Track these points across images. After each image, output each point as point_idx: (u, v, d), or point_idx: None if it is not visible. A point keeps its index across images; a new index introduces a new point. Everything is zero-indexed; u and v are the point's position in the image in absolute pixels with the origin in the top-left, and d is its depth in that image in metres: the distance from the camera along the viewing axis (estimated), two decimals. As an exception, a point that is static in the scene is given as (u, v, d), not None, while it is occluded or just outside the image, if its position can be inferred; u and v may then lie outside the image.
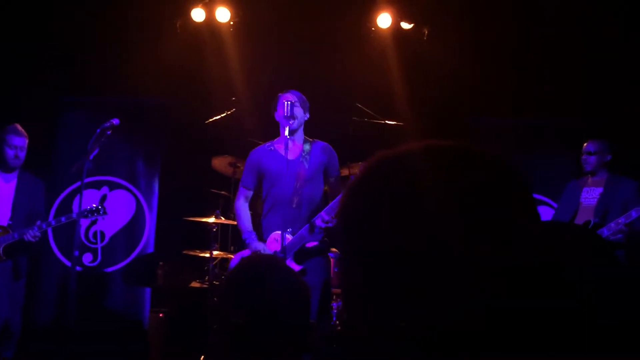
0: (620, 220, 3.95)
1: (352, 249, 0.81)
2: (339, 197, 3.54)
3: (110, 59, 5.44)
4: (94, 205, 4.26)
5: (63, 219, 4.26)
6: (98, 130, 3.64)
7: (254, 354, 1.69)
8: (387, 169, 0.80)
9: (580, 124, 5.34)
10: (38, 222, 4.20)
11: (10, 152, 4.34)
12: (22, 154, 4.39)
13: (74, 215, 4.21)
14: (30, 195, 4.40)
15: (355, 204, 0.81)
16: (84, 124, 4.98)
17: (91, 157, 3.59)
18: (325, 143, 3.96)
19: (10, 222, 4.27)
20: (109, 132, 3.68)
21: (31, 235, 4.16)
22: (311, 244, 3.74)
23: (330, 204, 3.68)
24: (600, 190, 4.25)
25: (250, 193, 3.99)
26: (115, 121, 3.71)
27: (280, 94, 3.93)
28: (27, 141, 4.41)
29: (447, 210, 0.73)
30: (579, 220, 4.16)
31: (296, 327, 1.73)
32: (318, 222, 3.64)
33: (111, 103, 5.32)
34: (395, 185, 0.77)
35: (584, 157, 4.32)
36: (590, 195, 4.27)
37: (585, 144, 4.36)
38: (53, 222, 4.31)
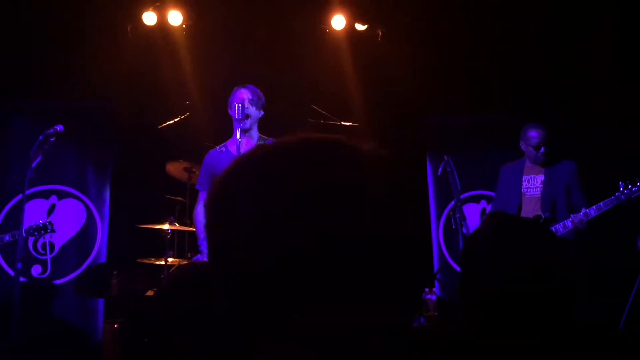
0: (579, 218, 3.93)
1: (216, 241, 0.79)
2: None
3: (61, 62, 5.28)
4: (41, 222, 4.11)
5: (7, 237, 4.06)
6: (41, 137, 3.52)
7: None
8: (260, 158, 0.78)
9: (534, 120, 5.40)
10: None
11: None
12: None
13: (21, 233, 4.01)
14: None
15: (214, 201, 0.79)
16: (32, 129, 4.79)
17: (33, 165, 3.47)
18: None
19: None
20: (53, 139, 3.56)
21: None
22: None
23: None
24: (541, 177, 4.17)
25: None
26: (59, 127, 3.59)
27: (235, 88, 3.89)
28: None
29: (299, 209, 0.71)
30: (526, 213, 4.13)
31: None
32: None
33: (60, 107, 5.15)
34: (262, 176, 0.75)
35: (535, 147, 4.14)
36: (532, 184, 4.19)
37: (534, 132, 4.17)
38: (7, 238, 4.11)
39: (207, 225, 0.78)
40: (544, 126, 4.23)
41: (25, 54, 5.27)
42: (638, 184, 3.85)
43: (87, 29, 5.37)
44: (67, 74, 5.25)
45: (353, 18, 5.56)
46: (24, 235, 3.98)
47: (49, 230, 4.09)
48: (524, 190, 4.20)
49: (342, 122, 5.21)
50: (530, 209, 4.13)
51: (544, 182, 4.15)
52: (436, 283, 5.00)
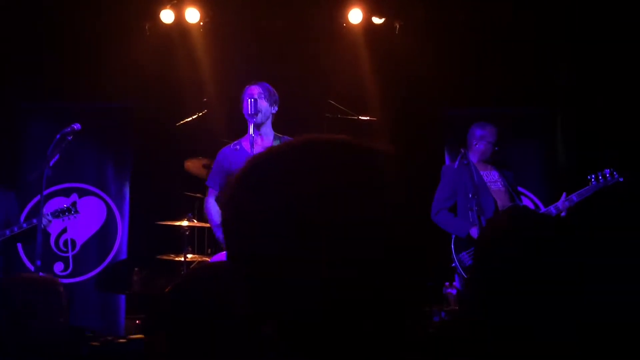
0: (561, 205, 4.00)
1: (233, 240, 0.80)
2: None
3: (79, 63, 5.35)
4: (65, 206, 4.12)
5: (7, 232, 3.99)
6: (58, 136, 3.55)
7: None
8: (260, 171, 0.80)
9: (553, 113, 5.32)
10: (9, 230, 3.98)
11: None
12: None
13: (48, 217, 4.03)
14: (1, 210, 4.12)
15: (228, 203, 0.81)
16: (51, 131, 4.85)
17: (51, 163, 3.50)
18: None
19: None
20: (70, 138, 3.59)
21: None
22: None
23: None
24: (495, 173, 4.21)
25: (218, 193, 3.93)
26: (77, 126, 3.62)
27: (246, 87, 3.87)
28: None
29: (313, 213, 0.72)
30: (502, 205, 4.10)
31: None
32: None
33: (79, 108, 5.21)
34: (271, 178, 0.77)
35: (493, 145, 4.17)
36: (491, 179, 4.18)
37: (490, 132, 4.19)
38: (24, 225, 4.04)
39: (223, 224, 0.81)
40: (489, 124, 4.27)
41: (43, 55, 5.35)
42: (607, 173, 4.03)
43: (105, 27, 5.43)
44: (85, 74, 5.31)
45: (370, 12, 5.52)
46: (50, 218, 4.00)
47: (72, 212, 4.07)
48: (488, 184, 4.15)
49: (360, 117, 5.18)
50: (501, 201, 4.10)
51: (500, 177, 4.20)
52: (456, 277, 4.95)
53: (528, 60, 5.40)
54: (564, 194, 4.05)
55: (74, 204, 5.00)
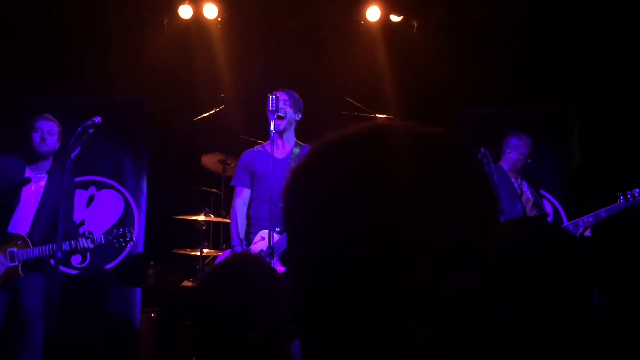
0: (589, 219, 4.01)
1: (293, 236, 0.76)
2: None
3: (97, 58, 5.38)
4: (122, 230, 4.15)
5: (89, 243, 4.02)
6: (79, 129, 3.57)
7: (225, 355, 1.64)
8: (332, 152, 0.73)
9: (568, 114, 5.29)
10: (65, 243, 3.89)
11: (35, 136, 4.01)
12: (51, 140, 4.03)
13: (102, 240, 4.10)
14: (57, 197, 3.85)
15: (296, 189, 0.75)
16: (68, 125, 4.88)
17: (72, 156, 3.52)
18: None
19: (30, 233, 3.97)
20: (91, 131, 3.61)
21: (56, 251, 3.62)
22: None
23: None
24: (525, 184, 4.29)
25: (247, 191, 3.96)
26: (97, 119, 3.64)
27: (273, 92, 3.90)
28: (58, 129, 4.10)
29: (396, 195, 0.67)
30: (529, 213, 4.16)
31: (267, 329, 1.67)
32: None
33: (97, 102, 5.25)
34: (338, 171, 0.71)
35: (526, 157, 4.29)
36: (522, 188, 4.28)
37: (525, 144, 4.31)
38: (82, 243, 4.02)
39: (284, 215, 0.75)
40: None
41: (61, 50, 5.37)
42: (637, 192, 4.01)
43: (124, 22, 5.46)
44: (103, 68, 5.33)
45: (388, 9, 5.51)
46: (102, 241, 4.08)
47: (127, 239, 4.12)
48: (518, 191, 4.23)
49: (377, 115, 5.17)
50: (529, 209, 4.18)
51: (530, 188, 4.28)
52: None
53: (544, 60, 5.37)
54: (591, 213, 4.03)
55: (90, 201, 5.06)
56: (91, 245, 4.00)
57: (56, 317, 3.50)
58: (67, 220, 4.06)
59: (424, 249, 0.66)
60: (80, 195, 5.16)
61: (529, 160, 4.28)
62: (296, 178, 0.76)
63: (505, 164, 4.29)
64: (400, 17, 5.54)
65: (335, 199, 0.69)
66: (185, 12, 5.49)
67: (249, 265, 1.79)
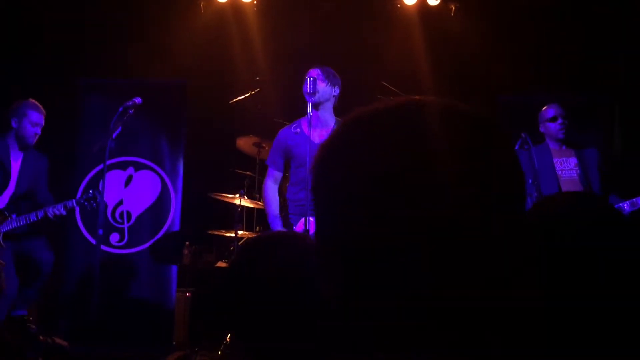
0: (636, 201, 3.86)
1: (324, 212, 0.74)
2: None
3: (135, 41, 5.44)
4: (91, 192, 4.22)
5: (60, 207, 4.14)
6: (120, 109, 3.63)
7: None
8: (363, 124, 0.72)
9: (610, 100, 5.17)
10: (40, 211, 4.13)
11: (30, 130, 4.24)
12: (39, 132, 4.30)
13: (73, 204, 4.19)
14: (33, 174, 4.30)
15: (326, 162, 0.74)
16: (108, 106, 4.97)
17: (114, 135, 3.58)
18: None
19: (7, 206, 4.21)
20: (132, 111, 3.67)
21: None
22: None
23: None
24: (573, 160, 4.13)
25: (278, 174, 3.97)
26: (138, 100, 3.70)
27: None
28: (44, 119, 4.34)
29: (427, 169, 0.65)
30: None
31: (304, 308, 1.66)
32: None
33: (135, 84, 5.31)
34: (368, 142, 0.70)
35: (561, 122, 4.14)
36: (566, 166, 4.11)
37: (553, 109, 4.18)
38: (50, 211, 4.14)
39: (314, 189, 0.75)
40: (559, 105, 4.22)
41: (102, 33, 5.46)
42: None
43: (161, 5, 5.51)
44: (141, 50, 5.39)
45: (425, -7, 5.44)
46: (74, 204, 4.18)
47: (97, 200, 4.14)
48: (558, 172, 4.09)
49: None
50: (570, 190, 4.03)
51: (579, 165, 4.11)
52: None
53: (585, 45, 5.25)
54: None
55: (128, 182, 5.16)
56: (64, 212, 4.15)
57: (98, 295, 3.57)
58: (45, 193, 4.40)
59: (450, 227, 0.64)
60: (119, 176, 5.25)
61: (566, 121, 4.14)
62: (326, 151, 0.75)
63: (550, 141, 4.19)
64: (438, 1, 5.47)
65: (364, 170, 0.68)
66: (222, -6, 5.50)
67: (288, 244, 1.79)
